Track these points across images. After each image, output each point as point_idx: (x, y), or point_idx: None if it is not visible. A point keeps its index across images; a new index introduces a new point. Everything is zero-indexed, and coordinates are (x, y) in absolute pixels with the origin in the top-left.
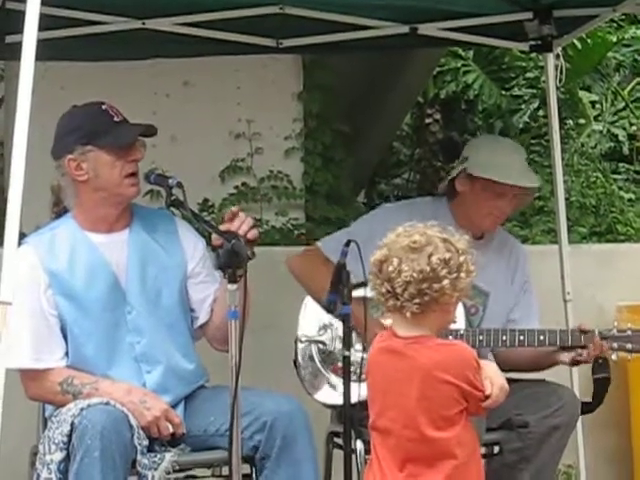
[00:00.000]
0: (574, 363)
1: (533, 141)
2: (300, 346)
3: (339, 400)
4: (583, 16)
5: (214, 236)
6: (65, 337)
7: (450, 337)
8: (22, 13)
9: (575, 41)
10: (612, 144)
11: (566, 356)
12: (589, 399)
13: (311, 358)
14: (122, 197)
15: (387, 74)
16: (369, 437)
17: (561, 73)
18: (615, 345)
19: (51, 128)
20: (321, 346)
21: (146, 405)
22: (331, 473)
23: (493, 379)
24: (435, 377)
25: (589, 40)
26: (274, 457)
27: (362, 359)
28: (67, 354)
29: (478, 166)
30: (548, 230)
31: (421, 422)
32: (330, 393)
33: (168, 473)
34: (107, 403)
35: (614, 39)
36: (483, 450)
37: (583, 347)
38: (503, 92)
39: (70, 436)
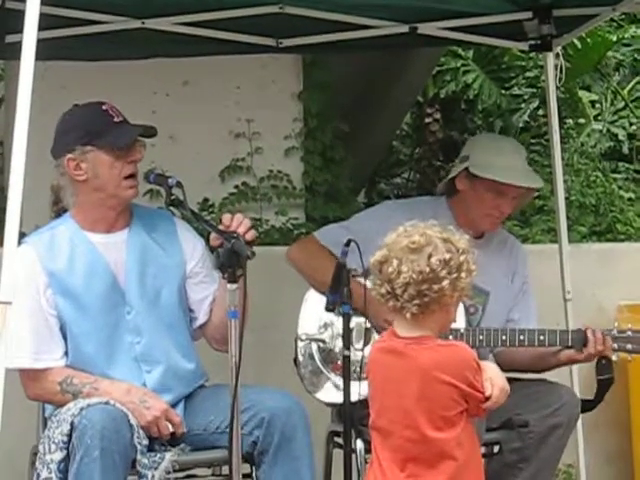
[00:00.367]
0: (587, 359)
1: (533, 140)
2: (300, 344)
3: (339, 398)
4: (583, 15)
5: (213, 236)
6: (65, 337)
7: (450, 337)
8: (22, 12)
9: (575, 40)
10: (612, 143)
11: (568, 353)
12: (589, 397)
13: (311, 356)
14: (119, 199)
15: (387, 74)
16: (369, 436)
17: (561, 72)
18: (615, 346)
19: (51, 127)
20: (321, 344)
21: (146, 405)
22: (331, 472)
23: (494, 380)
24: (434, 377)
25: (589, 39)
26: (272, 453)
27: (362, 358)
28: (66, 354)
29: (480, 166)
30: (548, 229)
31: (421, 422)
32: (330, 391)
33: (168, 473)
34: (107, 403)
35: (614, 38)
36: (483, 450)
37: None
38: (503, 91)
39: (70, 436)
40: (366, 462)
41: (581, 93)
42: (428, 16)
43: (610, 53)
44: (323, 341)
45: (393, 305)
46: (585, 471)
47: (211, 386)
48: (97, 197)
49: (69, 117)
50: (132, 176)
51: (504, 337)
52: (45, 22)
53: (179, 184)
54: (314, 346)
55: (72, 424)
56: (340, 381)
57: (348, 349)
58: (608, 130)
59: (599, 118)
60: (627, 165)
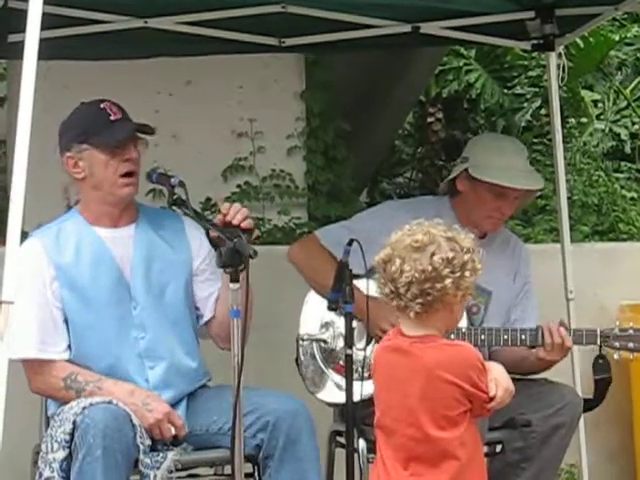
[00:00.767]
0: (552, 355)
1: (535, 140)
2: (302, 344)
3: (341, 398)
4: (585, 15)
5: (211, 230)
6: (69, 330)
7: (452, 336)
8: (24, 12)
9: (577, 40)
10: (614, 143)
11: (537, 352)
12: (591, 396)
13: (313, 356)
14: (116, 197)
15: (389, 73)
16: (372, 436)
17: (563, 72)
18: (617, 344)
19: (53, 127)
20: (323, 344)
21: (148, 407)
22: (333, 472)
23: (499, 381)
24: (438, 376)
25: (591, 39)
26: (277, 456)
27: (364, 357)
28: (70, 347)
29: (479, 167)
30: (550, 229)
31: (424, 421)
32: (332, 391)
33: (170, 472)
34: (110, 402)
35: (616, 38)
36: (486, 449)
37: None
38: (505, 91)
39: (72, 435)
40: (369, 461)
41: (583, 92)
42: (430, 15)
43: (612, 52)
44: (324, 341)
45: (397, 304)
46: (588, 470)
47: (214, 387)
48: (96, 194)
49: (70, 115)
50: (129, 174)
51: (506, 336)
52: (48, 21)
53: (181, 183)
54: (316, 346)
55: (75, 423)
56: (342, 381)
57: (350, 348)
58: (610, 129)
59: (601, 117)
60: (629, 165)
